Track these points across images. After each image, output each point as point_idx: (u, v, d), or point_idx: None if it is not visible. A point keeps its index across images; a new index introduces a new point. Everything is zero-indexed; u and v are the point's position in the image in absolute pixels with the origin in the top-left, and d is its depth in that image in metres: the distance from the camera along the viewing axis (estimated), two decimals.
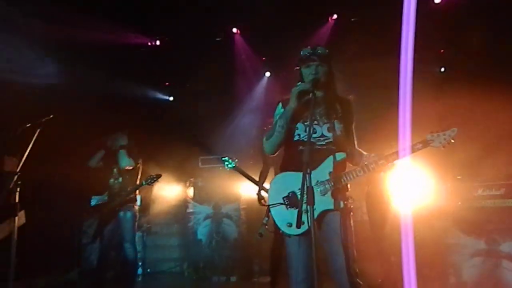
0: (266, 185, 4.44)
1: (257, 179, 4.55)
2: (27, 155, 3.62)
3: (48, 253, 4.90)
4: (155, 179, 4.75)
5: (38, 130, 3.67)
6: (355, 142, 2.63)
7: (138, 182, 4.81)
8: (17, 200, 3.53)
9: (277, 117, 2.60)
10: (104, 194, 4.81)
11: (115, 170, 4.82)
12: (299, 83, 2.49)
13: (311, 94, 2.39)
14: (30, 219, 4.19)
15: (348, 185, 2.50)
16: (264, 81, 7.41)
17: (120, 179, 4.78)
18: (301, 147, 2.45)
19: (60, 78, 5.57)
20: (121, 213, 4.64)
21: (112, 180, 4.80)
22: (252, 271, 5.65)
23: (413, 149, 2.38)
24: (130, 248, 4.68)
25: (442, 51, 6.27)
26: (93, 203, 4.81)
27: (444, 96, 5.65)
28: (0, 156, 4.95)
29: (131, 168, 4.76)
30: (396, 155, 2.39)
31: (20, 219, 3.65)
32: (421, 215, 5.27)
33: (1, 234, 4.11)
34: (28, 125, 3.70)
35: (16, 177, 3.55)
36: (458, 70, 6.12)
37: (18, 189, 3.50)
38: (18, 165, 3.64)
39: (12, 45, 5.06)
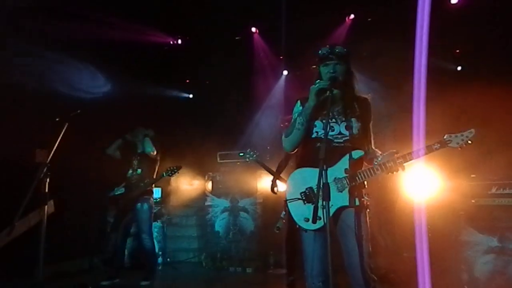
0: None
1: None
2: (56, 148, 3.74)
3: (74, 240, 5.14)
4: (175, 170, 4.90)
5: (66, 124, 3.80)
6: (372, 142, 2.65)
7: (156, 175, 5.00)
8: (46, 190, 3.62)
9: (296, 114, 2.64)
10: (121, 185, 5.05)
11: (134, 162, 5.02)
12: (318, 81, 2.51)
13: (328, 92, 2.42)
14: (58, 208, 4.43)
15: (365, 183, 2.52)
16: (282, 80, 7.51)
17: (139, 170, 4.97)
18: (318, 144, 2.47)
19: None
20: (138, 205, 4.86)
21: (130, 171, 5.00)
22: (268, 263, 5.76)
23: (430, 149, 2.40)
24: (148, 238, 4.91)
25: (458, 51, 6.21)
26: (113, 193, 5.05)
27: (460, 95, 5.62)
28: (32, 148, 5.20)
29: (154, 155, 4.92)
30: (413, 154, 2.41)
31: (49, 207, 3.74)
32: (435, 212, 5.31)
33: (32, 222, 4.36)
34: (57, 119, 3.84)
35: (46, 168, 3.65)
36: (473, 70, 6.07)
37: (48, 180, 3.57)
38: (48, 157, 3.78)
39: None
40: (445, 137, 2.41)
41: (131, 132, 5.13)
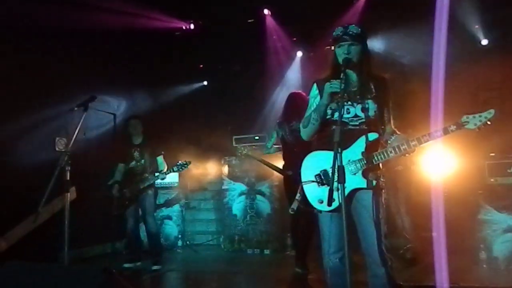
0: None
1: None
2: (76, 136, 3.80)
3: (97, 225, 5.29)
4: (186, 165, 4.95)
5: (84, 113, 3.84)
6: (391, 121, 2.59)
7: (166, 169, 5.05)
8: (68, 177, 3.71)
9: (312, 99, 2.63)
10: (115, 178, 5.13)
11: (135, 153, 5.11)
12: (333, 81, 2.42)
13: (342, 74, 2.37)
14: (80, 195, 4.55)
15: (380, 165, 2.50)
16: (296, 61, 7.44)
17: (142, 161, 5.08)
18: (334, 127, 2.40)
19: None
20: (144, 193, 5.02)
21: (134, 162, 5.10)
22: (285, 245, 5.82)
23: (446, 131, 2.33)
24: (152, 223, 5.08)
25: (477, 26, 6.03)
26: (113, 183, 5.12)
27: (479, 73, 5.49)
28: (53, 137, 5.32)
29: (164, 171, 5.01)
30: (428, 136, 2.36)
31: (71, 194, 3.84)
32: (454, 191, 5.26)
33: (56, 208, 4.50)
34: (75, 108, 3.88)
35: (66, 156, 3.74)
36: (493, 46, 5.91)
37: (69, 168, 3.62)
38: (68, 145, 3.85)
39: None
40: (462, 118, 2.32)
41: (127, 125, 5.20)
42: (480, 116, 2.30)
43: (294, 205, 2.75)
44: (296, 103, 4.57)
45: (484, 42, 6.11)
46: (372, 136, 2.47)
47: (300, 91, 4.87)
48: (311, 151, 2.63)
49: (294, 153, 4.34)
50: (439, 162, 4.92)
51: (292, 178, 4.71)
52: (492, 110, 2.29)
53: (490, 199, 4.46)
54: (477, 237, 4.47)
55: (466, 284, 3.83)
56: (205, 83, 8.10)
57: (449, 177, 4.98)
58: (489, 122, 2.29)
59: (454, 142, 5.26)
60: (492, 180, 4.56)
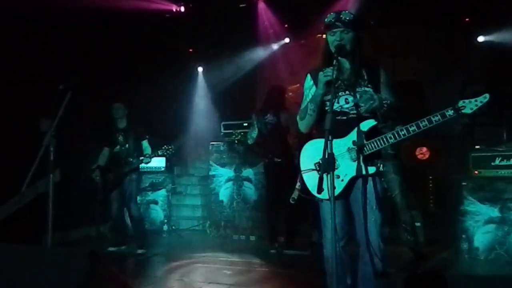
0: None
1: None
2: (61, 117, 3.72)
3: (81, 208, 5.25)
4: (170, 150, 4.86)
5: (69, 93, 3.76)
6: (390, 99, 2.50)
7: (151, 151, 5.03)
8: (52, 158, 3.65)
9: (307, 90, 2.62)
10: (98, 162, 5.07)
11: (119, 137, 5.07)
12: (326, 69, 2.40)
13: (334, 61, 2.34)
14: (65, 177, 4.49)
15: (381, 151, 2.49)
16: (284, 48, 7.38)
17: (127, 145, 5.05)
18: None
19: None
20: (128, 177, 4.99)
21: (118, 147, 5.07)
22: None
23: (444, 116, 2.32)
24: (135, 207, 5.07)
25: (467, 19, 6.06)
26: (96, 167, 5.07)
27: None
28: (37, 118, 5.21)
29: (150, 154, 4.96)
30: (427, 121, 2.34)
31: (55, 176, 3.80)
32: (438, 182, 5.35)
33: (40, 190, 4.44)
34: (60, 87, 3.79)
35: (50, 137, 3.67)
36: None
37: (52, 149, 3.58)
38: (52, 126, 3.77)
39: None
40: (459, 102, 2.32)
41: (111, 109, 5.13)
42: (476, 100, 2.30)
43: (295, 194, 2.74)
44: (272, 96, 4.80)
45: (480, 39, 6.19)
46: (369, 123, 2.44)
47: (279, 84, 4.99)
48: (310, 140, 2.61)
49: (268, 143, 4.87)
50: (427, 153, 4.98)
51: (280, 165, 4.81)
52: (487, 95, 2.29)
53: (473, 191, 4.53)
54: (459, 228, 4.55)
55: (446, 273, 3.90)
56: (200, 69, 7.97)
57: (436, 168, 5.07)
58: (484, 107, 2.29)
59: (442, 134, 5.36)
60: (476, 172, 4.62)
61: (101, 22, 5.72)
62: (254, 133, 4.95)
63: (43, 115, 5.15)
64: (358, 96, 2.45)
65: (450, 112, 2.31)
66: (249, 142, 5.04)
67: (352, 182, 2.46)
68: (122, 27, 6.12)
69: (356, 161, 2.44)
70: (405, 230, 4.51)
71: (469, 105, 2.30)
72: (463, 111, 2.31)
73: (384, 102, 2.43)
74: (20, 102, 4.85)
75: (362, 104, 2.41)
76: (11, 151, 4.53)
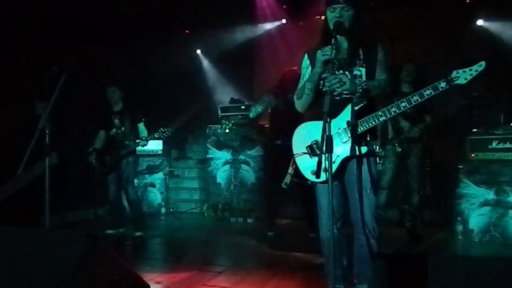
0: None
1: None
2: (57, 99, 3.66)
3: (79, 191, 5.25)
4: (167, 132, 4.83)
5: (64, 75, 3.69)
6: (383, 76, 2.45)
7: (147, 133, 4.98)
8: (47, 140, 3.61)
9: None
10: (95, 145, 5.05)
11: (115, 120, 5.04)
12: (325, 48, 2.33)
13: (333, 40, 2.28)
14: (62, 159, 4.47)
15: (378, 131, 2.47)
16: (282, 29, 7.29)
17: (123, 128, 5.02)
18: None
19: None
20: (124, 160, 4.99)
21: (114, 130, 5.04)
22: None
23: (436, 88, 2.22)
24: (132, 190, 5.07)
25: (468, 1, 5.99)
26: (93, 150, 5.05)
27: None
28: (32, 100, 5.16)
29: (146, 137, 4.93)
30: (418, 96, 2.26)
31: (53, 159, 3.76)
32: (435, 165, 5.36)
33: (36, 172, 4.42)
34: (54, 69, 3.72)
35: (45, 120, 3.62)
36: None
37: (48, 131, 3.51)
38: (47, 108, 3.72)
39: None
40: (452, 74, 2.21)
41: (106, 93, 5.08)
42: (470, 70, 2.20)
43: (287, 179, 2.68)
44: (293, 77, 4.66)
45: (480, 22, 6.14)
46: (360, 101, 2.39)
47: (294, 68, 4.89)
48: (302, 123, 2.57)
49: (282, 123, 4.53)
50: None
51: (281, 148, 4.77)
52: (483, 62, 2.18)
53: (469, 173, 4.55)
54: (455, 210, 4.59)
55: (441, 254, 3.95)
56: (198, 51, 7.87)
57: (433, 150, 5.07)
58: (479, 75, 2.18)
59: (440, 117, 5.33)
60: (472, 155, 4.63)
61: (96, 3, 5.61)
62: (260, 109, 4.86)
63: (38, 98, 5.12)
64: (349, 76, 2.40)
65: (442, 84, 2.23)
66: (251, 115, 4.95)
67: (344, 163, 2.43)
68: (118, 8, 6.00)
69: (347, 142, 2.40)
70: (408, 212, 4.53)
71: (463, 75, 2.20)
72: (456, 82, 2.21)
73: (359, 87, 2.35)
74: (15, 84, 4.79)
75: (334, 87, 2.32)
76: (7, 134, 4.49)
